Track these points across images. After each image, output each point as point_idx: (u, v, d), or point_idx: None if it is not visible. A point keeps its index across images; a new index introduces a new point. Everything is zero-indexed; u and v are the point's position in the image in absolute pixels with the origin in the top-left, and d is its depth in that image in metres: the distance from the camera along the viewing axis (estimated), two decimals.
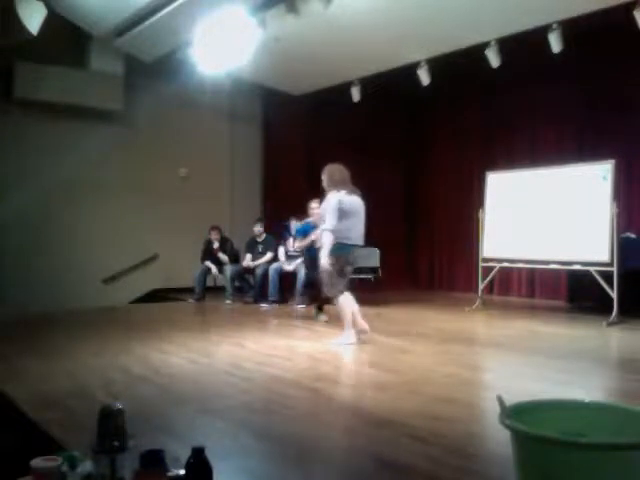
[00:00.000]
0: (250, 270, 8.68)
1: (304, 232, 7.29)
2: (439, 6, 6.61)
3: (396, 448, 2.75)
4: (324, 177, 5.52)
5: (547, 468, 1.59)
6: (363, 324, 5.37)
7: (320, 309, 6.83)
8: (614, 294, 6.66)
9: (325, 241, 5.24)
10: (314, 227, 6.42)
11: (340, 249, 5.26)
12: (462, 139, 10.25)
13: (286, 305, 8.29)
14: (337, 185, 5.39)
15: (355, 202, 5.42)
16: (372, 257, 8.75)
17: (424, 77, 8.05)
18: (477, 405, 3.66)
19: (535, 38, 6.93)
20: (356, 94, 8.90)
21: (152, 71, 8.52)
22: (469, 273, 9.54)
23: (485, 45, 7.33)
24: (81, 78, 8.17)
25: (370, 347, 5.35)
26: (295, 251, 8.73)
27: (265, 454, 2.79)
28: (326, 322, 6.57)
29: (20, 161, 7.89)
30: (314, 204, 6.63)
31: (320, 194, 5.68)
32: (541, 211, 7.62)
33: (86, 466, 1.97)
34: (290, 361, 4.82)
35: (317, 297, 6.65)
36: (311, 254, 6.73)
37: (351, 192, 5.42)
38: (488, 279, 8.24)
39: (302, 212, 9.36)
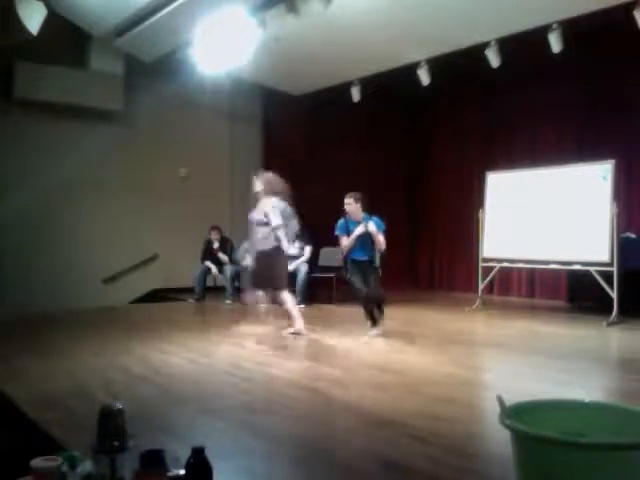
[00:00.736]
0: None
1: (347, 230, 5.91)
2: (439, 6, 6.60)
3: (396, 448, 2.75)
4: (261, 182, 5.95)
5: (547, 468, 1.59)
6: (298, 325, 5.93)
7: (374, 322, 5.89)
8: (614, 294, 6.67)
9: (282, 237, 5.79)
10: (357, 223, 5.78)
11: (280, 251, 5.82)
12: (462, 139, 10.25)
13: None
14: (276, 193, 5.88)
15: (289, 209, 5.93)
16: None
17: (424, 77, 8.04)
18: (477, 405, 3.67)
19: (535, 38, 6.93)
20: (356, 94, 8.89)
21: (152, 71, 8.52)
22: (469, 273, 9.53)
23: (485, 45, 7.33)
24: (81, 78, 8.16)
25: (370, 347, 5.36)
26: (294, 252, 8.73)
27: (265, 454, 2.80)
28: (379, 335, 5.77)
29: (20, 161, 7.89)
30: (347, 199, 5.87)
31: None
32: (541, 211, 7.62)
33: (86, 466, 1.97)
34: (290, 361, 4.83)
35: (371, 311, 5.84)
36: (358, 263, 5.87)
37: (283, 200, 5.92)
38: (488, 279, 8.24)
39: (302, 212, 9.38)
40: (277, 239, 5.76)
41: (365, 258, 5.83)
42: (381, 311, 5.88)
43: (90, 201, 8.43)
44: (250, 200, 10.18)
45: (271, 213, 5.77)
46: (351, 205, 5.81)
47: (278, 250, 5.78)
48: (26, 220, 7.89)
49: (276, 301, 6.05)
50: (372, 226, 5.73)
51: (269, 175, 6.03)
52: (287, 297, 5.90)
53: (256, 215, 5.91)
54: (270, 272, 5.80)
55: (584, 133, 8.66)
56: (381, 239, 5.78)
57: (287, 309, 5.91)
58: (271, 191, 5.87)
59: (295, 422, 3.20)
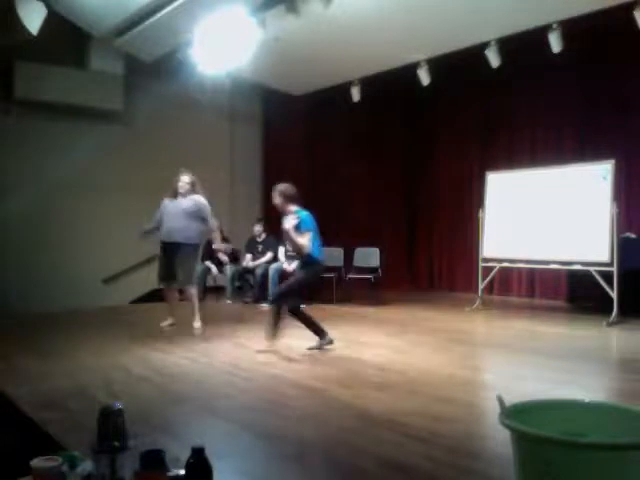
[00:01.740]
0: (250, 270, 8.69)
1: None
2: (439, 6, 6.60)
3: (396, 448, 2.75)
4: (191, 180, 6.38)
5: (547, 468, 1.59)
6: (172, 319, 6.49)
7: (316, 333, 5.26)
8: (614, 294, 6.67)
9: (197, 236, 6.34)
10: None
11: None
12: (462, 139, 10.25)
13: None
14: (197, 192, 6.40)
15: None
16: (372, 257, 8.75)
17: (424, 77, 8.04)
18: (477, 405, 3.66)
19: (535, 38, 6.93)
20: (356, 94, 8.89)
21: (152, 71, 8.51)
22: (469, 273, 9.53)
23: (485, 45, 7.33)
24: (81, 78, 8.16)
25: (370, 347, 5.36)
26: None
27: (265, 454, 2.80)
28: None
29: (20, 161, 7.88)
30: (273, 193, 5.30)
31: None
32: (541, 211, 7.62)
33: (86, 466, 1.97)
34: (290, 361, 4.83)
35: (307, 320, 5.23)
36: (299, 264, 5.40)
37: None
38: (488, 279, 8.24)
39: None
40: (204, 234, 6.47)
41: (300, 259, 5.26)
42: (279, 320, 5.14)
43: (90, 201, 8.42)
44: (247, 200, 10.23)
45: (207, 209, 6.30)
46: (275, 199, 5.20)
47: (197, 246, 6.41)
48: (26, 220, 7.89)
49: (184, 296, 6.50)
50: (286, 222, 5.05)
51: (194, 177, 6.47)
52: (195, 292, 6.42)
53: (184, 204, 6.29)
54: (184, 266, 6.25)
55: (584, 133, 8.66)
56: (295, 238, 5.01)
57: (194, 304, 6.37)
58: (196, 189, 6.39)
59: (295, 422, 3.21)
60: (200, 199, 6.35)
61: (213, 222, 6.42)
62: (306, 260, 5.15)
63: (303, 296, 5.40)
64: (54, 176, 7.93)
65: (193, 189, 6.39)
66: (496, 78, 8.38)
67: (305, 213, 5.13)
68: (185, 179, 6.39)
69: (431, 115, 10.83)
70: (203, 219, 6.30)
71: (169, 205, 6.39)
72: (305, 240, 5.01)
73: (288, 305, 5.10)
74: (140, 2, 6.91)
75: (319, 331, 5.25)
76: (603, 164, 7.08)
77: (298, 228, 5.04)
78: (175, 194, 6.40)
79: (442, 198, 10.57)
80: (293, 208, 5.14)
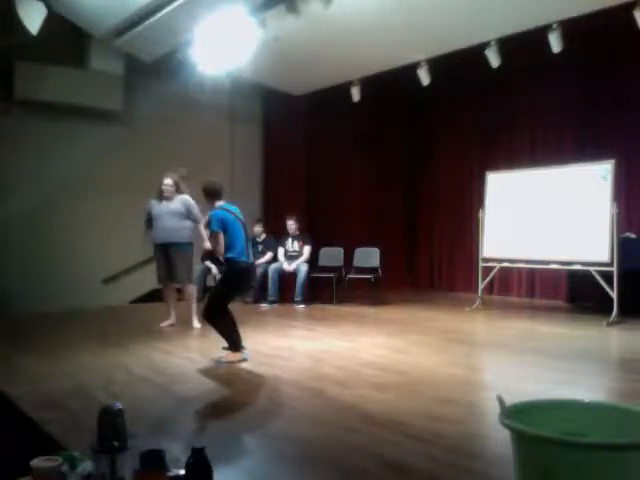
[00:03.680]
0: None
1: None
2: (439, 6, 6.60)
3: (396, 448, 2.75)
4: (174, 182, 6.50)
5: (547, 468, 1.59)
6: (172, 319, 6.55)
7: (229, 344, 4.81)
8: (614, 294, 6.67)
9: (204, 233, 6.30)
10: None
11: None
12: (462, 139, 10.24)
13: (286, 305, 8.31)
14: (183, 192, 6.53)
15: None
16: (372, 257, 8.76)
17: (424, 77, 8.04)
18: (477, 405, 3.67)
19: (535, 38, 6.93)
20: (356, 94, 8.89)
21: (152, 71, 8.51)
22: (469, 273, 9.53)
23: (485, 45, 7.33)
24: (81, 78, 8.15)
25: (370, 347, 5.36)
26: (295, 251, 8.76)
27: (265, 454, 2.80)
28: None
29: (20, 161, 7.88)
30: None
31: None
32: (541, 211, 7.62)
33: (86, 466, 1.97)
34: (290, 361, 4.83)
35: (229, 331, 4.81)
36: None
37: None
38: (488, 279, 8.24)
39: (300, 211, 9.39)
40: (195, 234, 6.45)
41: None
42: (220, 331, 4.78)
43: (90, 201, 8.41)
44: (247, 200, 10.22)
45: (195, 209, 6.40)
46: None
47: (191, 244, 6.47)
48: (26, 220, 7.88)
49: (182, 295, 6.57)
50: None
51: (177, 178, 6.58)
52: (194, 290, 6.56)
53: (172, 205, 6.42)
54: (183, 264, 6.35)
55: (584, 133, 8.66)
56: (207, 238, 5.06)
57: (193, 303, 6.45)
58: (180, 189, 6.50)
59: (295, 422, 3.21)
60: (187, 198, 6.48)
61: (201, 218, 6.44)
62: (225, 261, 4.83)
63: (231, 299, 4.89)
64: (54, 176, 7.93)
65: (177, 190, 6.50)
66: (496, 78, 8.37)
67: (219, 211, 4.81)
68: (168, 182, 6.49)
69: (431, 115, 10.83)
70: (193, 218, 6.46)
71: (157, 207, 6.50)
72: (215, 242, 4.75)
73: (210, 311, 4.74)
74: (140, 2, 6.91)
75: (236, 342, 4.75)
76: (603, 164, 7.08)
77: (209, 226, 4.89)
78: (161, 196, 6.51)
79: (442, 198, 10.57)
80: (218, 204, 4.90)
